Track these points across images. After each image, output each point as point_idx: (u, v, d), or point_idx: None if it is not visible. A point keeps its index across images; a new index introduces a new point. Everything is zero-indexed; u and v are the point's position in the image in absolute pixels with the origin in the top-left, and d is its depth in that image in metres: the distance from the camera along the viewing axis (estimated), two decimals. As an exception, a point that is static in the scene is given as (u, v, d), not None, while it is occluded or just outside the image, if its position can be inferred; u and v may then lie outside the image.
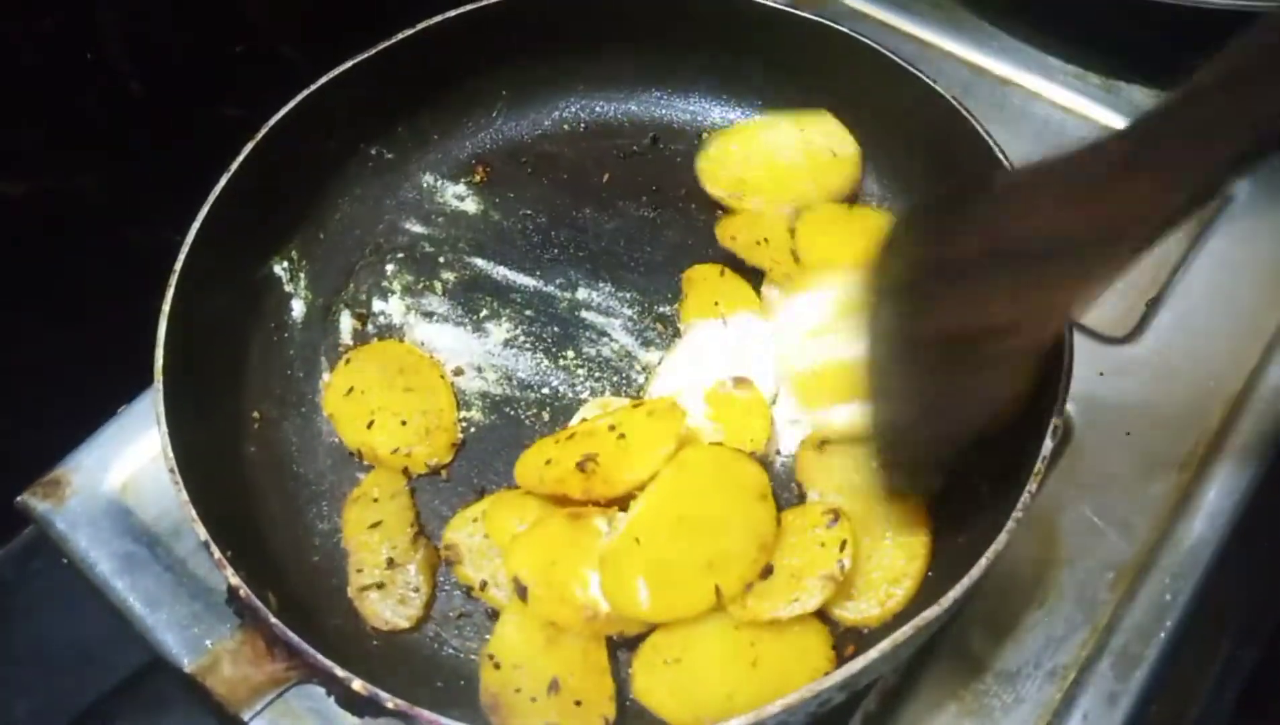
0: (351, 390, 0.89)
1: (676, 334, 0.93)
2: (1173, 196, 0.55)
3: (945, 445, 0.70)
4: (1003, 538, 0.67)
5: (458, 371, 0.92)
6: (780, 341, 0.88)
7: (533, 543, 0.77)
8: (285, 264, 0.94)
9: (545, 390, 0.91)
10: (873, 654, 0.63)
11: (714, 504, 0.77)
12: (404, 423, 0.87)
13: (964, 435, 0.67)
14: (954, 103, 0.87)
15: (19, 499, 0.91)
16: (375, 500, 0.83)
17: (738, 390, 0.86)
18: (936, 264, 0.63)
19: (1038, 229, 0.58)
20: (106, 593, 0.87)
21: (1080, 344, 0.82)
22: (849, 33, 0.92)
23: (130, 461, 0.93)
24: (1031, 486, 0.69)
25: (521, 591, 0.74)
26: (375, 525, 0.82)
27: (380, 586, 0.79)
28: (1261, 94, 0.52)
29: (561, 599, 0.74)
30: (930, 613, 0.65)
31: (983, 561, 0.66)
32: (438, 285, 0.97)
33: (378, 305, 0.96)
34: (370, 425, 0.87)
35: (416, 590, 0.79)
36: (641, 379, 0.92)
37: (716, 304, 0.91)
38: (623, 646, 0.77)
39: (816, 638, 0.74)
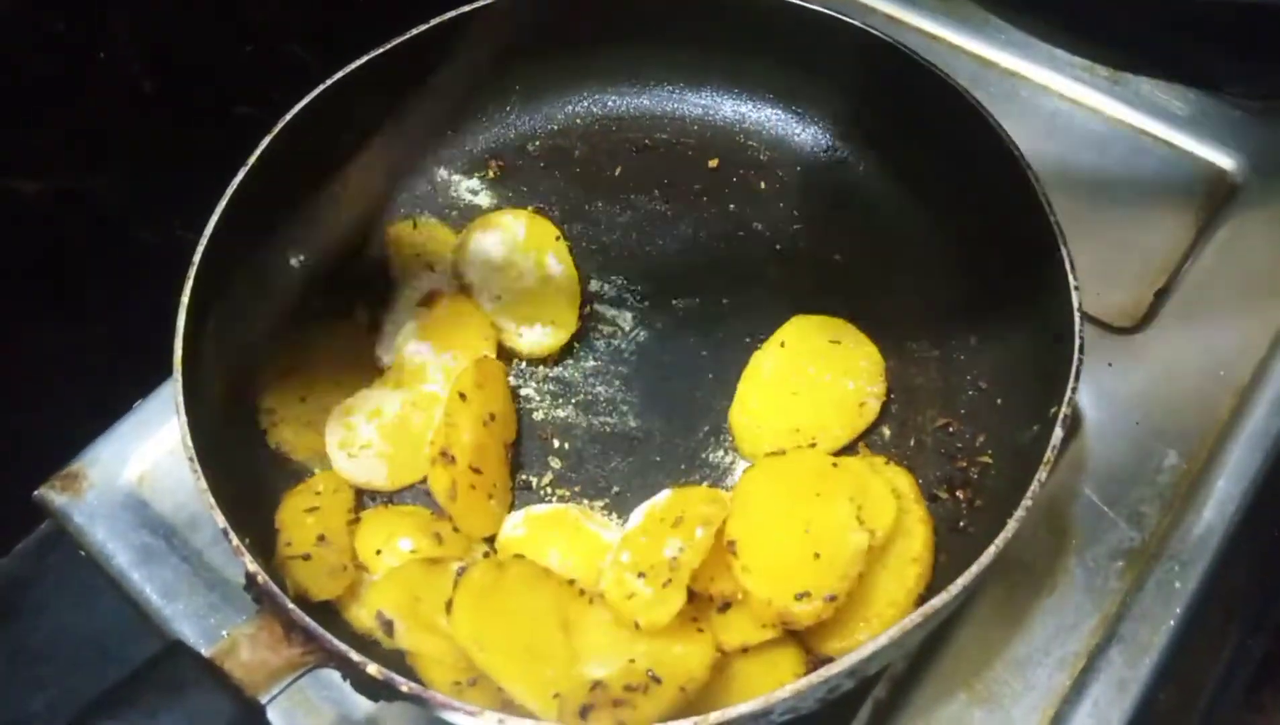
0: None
1: (685, 326, 0.94)
2: None
3: None
4: (1012, 526, 0.67)
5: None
6: None
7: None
8: (302, 256, 0.94)
9: (555, 386, 0.92)
10: (881, 640, 0.63)
11: None
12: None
13: None
14: (968, 97, 0.87)
15: (37, 492, 0.92)
16: (317, 493, 0.82)
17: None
18: None
19: None
20: (124, 584, 0.88)
21: (1089, 335, 0.82)
22: (861, 26, 0.92)
23: (147, 455, 0.94)
24: (1041, 475, 0.69)
25: (386, 626, 0.72)
26: (312, 510, 0.79)
27: (306, 558, 0.76)
28: None
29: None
30: (939, 600, 0.65)
31: (992, 549, 0.66)
32: (450, 279, 0.98)
33: (391, 298, 0.96)
34: None
35: (345, 568, 0.77)
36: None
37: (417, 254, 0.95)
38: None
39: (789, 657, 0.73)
